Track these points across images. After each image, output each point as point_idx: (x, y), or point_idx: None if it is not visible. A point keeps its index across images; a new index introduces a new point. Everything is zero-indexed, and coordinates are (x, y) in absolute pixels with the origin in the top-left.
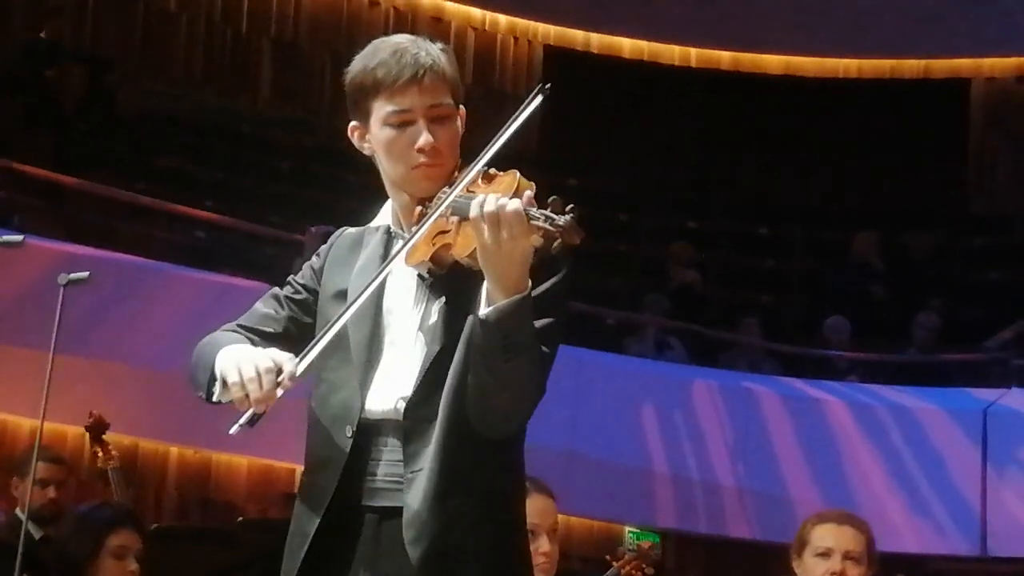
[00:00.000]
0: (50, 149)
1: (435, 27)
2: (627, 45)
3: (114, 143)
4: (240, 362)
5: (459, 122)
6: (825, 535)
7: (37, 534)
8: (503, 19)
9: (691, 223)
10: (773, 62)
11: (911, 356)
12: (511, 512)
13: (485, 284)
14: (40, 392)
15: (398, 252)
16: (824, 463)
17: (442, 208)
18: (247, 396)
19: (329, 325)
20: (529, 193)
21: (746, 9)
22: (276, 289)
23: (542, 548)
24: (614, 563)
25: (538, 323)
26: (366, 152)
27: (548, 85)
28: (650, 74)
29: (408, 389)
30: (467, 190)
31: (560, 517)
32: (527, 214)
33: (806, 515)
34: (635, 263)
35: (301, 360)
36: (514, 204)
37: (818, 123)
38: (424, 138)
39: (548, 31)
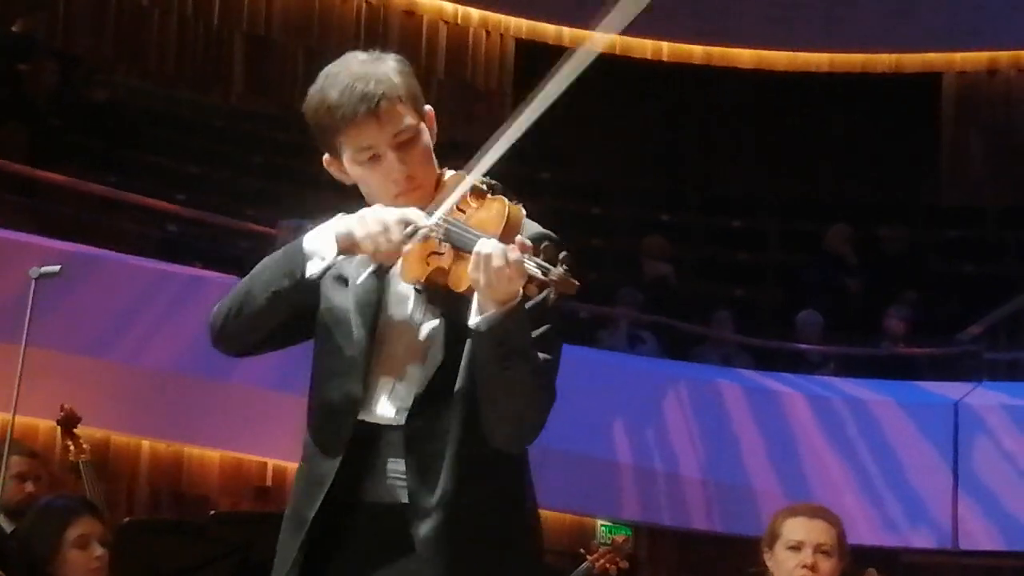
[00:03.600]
0: (22, 143)
1: (407, 21)
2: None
3: (86, 137)
4: (364, 218)
5: (426, 133)
6: (796, 528)
7: (9, 528)
8: (475, 13)
9: (664, 216)
10: (745, 56)
11: (883, 350)
12: (525, 520)
13: (476, 295)
14: (11, 386)
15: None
16: (795, 458)
17: (433, 232)
18: (376, 249)
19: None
20: (523, 239)
21: (718, 3)
22: None
23: None
24: (588, 557)
25: (535, 332)
26: (346, 183)
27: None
28: (622, 68)
29: (408, 399)
30: (458, 208)
31: None
32: (524, 267)
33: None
34: (608, 257)
35: (433, 214)
36: (514, 259)
37: (790, 117)
38: (397, 170)
39: (520, 25)
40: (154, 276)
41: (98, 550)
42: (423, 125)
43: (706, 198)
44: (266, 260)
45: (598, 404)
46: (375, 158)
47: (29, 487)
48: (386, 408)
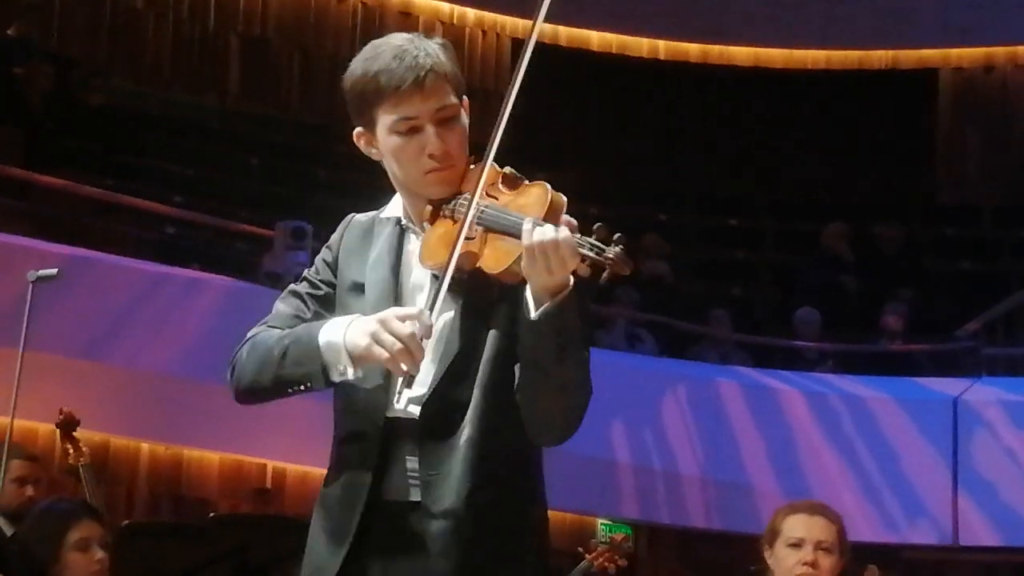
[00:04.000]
0: (19, 146)
1: (403, 21)
2: (595, 38)
3: (83, 140)
4: (372, 333)
5: (465, 116)
6: (796, 525)
7: (9, 531)
8: (471, 13)
9: (661, 215)
10: (741, 54)
11: (881, 347)
12: (536, 519)
13: (528, 288)
14: (10, 389)
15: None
16: (794, 456)
17: (470, 215)
18: (401, 366)
19: (438, 288)
20: (573, 221)
21: (714, 1)
22: (294, 286)
23: None
24: (587, 556)
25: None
26: (374, 157)
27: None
28: (619, 67)
29: (423, 389)
30: (488, 194)
31: None
32: (578, 248)
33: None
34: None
35: (432, 311)
36: (565, 238)
37: (787, 115)
38: (434, 144)
39: (516, 24)
40: (152, 279)
41: (99, 553)
42: (463, 110)
43: (703, 197)
44: (280, 348)
45: (597, 403)
46: (414, 130)
47: (29, 491)
48: (402, 401)
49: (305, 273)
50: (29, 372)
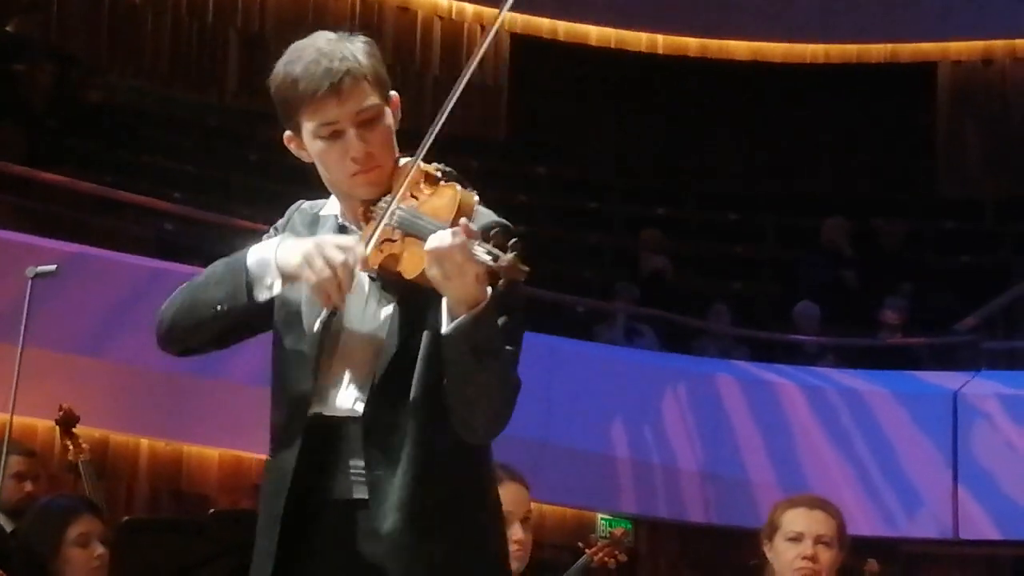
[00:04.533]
0: (18, 143)
1: (401, 17)
2: (594, 32)
3: (82, 137)
4: (304, 251)
5: (389, 116)
6: (796, 519)
7: (10, 527)
8: (469, 8)
9: (660, 210)
10: (740, 48)
11: (881, 341)
12: (486, 505)
13: (444, 300)
14: (9, 385)
15: None
16: (793, 450)
17: (386, 219)
18: (326, 293)
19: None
20: (465, 221)
21: None
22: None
23: (515, 536)
24: (587, 550)
25: (499, 322)
26: (305, 160)
27: None
28: (617, 61)
29: (363, 389)
30: (411, 194)
31: (533, 505)
32: (471, 254)
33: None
34: (605, 251)
35: (368, 244)
36: (459, 244)
37: (786, 109)
38: (356, 147)
39: (515, 19)
40: (151, 275)
41: (99, 549)
42: (387, 108)
43: (702, 192)
44: (209, 272)
45: (596, 398)
46: (336, 134)
47: (28, 486)
48: (344, 399)
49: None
50: (28, 369)
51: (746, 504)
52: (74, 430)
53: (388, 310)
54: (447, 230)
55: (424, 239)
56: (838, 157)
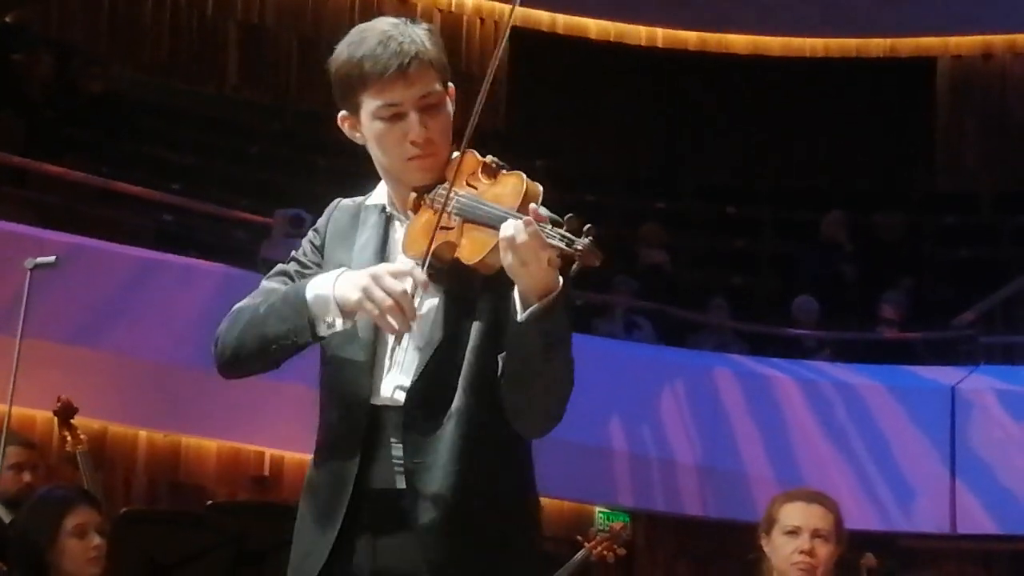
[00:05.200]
0: (17, 134)
1: (401, 9)
2: (593, 26)
3: (81, 128)
4: (361, 285)
5: (449, 104)
6: (793, 513)
7: (7, 518)
8: (469, 0)
9: (659, 204)
10: (740, 42)
11: (879, 335)
12: (526, 510)
13: (516, 288)
14: (8, 376)
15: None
16: (791, 444)
17: (447, 205)
18: (391, 323)
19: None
20: (541, 210)
21: None
22: (282, 265)
23: None
24: (586, 544)
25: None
26: (358, 141)
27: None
28: (617, 55)
29: (408, 377)
30: (467, 184)
31: None
32: (543, 234)
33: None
34: (604, 244)
35: (424, 266)
36: (535, 229)
37: (785, 103)
38: (416, 131)
39: (515, 12)
40: (150, 266)
41: (96, 539)
42: (447, 97)
43: (702, 185)
44: (267, 305)
45: (594, 391)
46: (397, 116)
47: (26, 477)
48: (387, 388)
49: (294, 253)
50: (27, 360)
51: (743, 498)
52: (72, 421)
53: (435, 299)
54: (518, 217)
55: (489, 226)
56: (837, 151)
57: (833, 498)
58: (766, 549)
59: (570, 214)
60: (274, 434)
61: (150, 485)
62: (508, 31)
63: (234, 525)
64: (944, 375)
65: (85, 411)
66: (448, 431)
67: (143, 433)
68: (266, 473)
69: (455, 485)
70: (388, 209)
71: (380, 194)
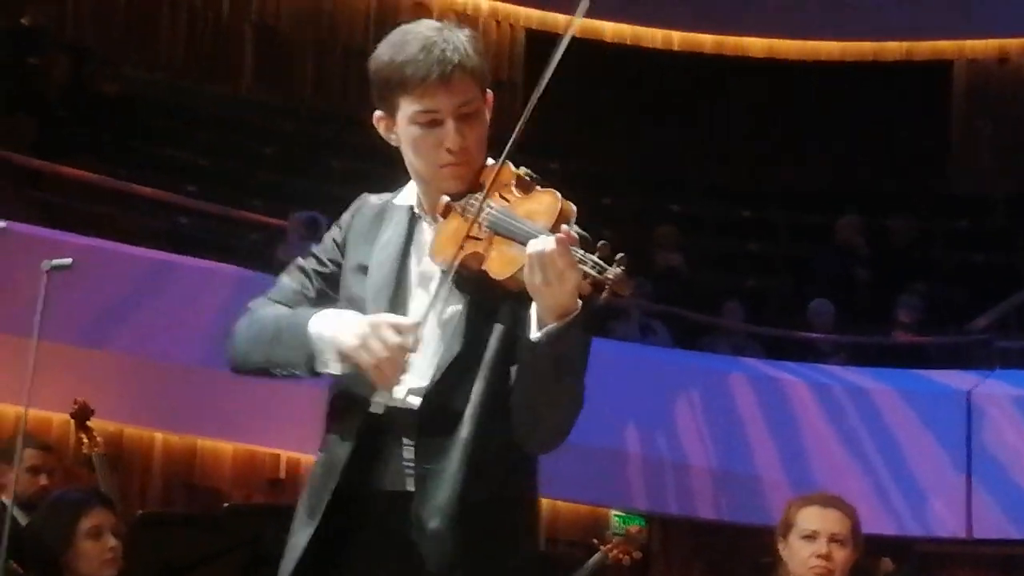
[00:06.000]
0: (32, 136)
1: (418, 12)
2: (609, 29)
3: (96, 130)
4: (360, 333)
5: (487, 112)
6: (810, 518)
7: (24, 521)
8: (485, 3)
9: (674, 207)
10: (756, 45)
11: (894, 339)
12: (528, 517)
13: (534, 306)
14: (24, 379)
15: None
16: (806, 448)
17: (479, 216)
18: (384, 375)
19: (431, 303)
20: (574, 232)
21: None
22: (300, 261)
23: None
24: (602, 547)
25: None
26: (392, 143)
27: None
28: (633, 58)
29: (423, 382)
30: (500, 196)
31: (546, 502)
32: (575, 257)
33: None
34: (618, 247)
35: (421, 325)
36: (561, 248)
37: (801, 106)
38: (452, 139)
39: (530, 15)
40: (165, 268)
41: (111, 541)
42: (485, 106)
43: (717, 188)
44: (275, 327)
45: (610, 395)
46: (435, 123)
47: (43, 480)
48: (400, 391)
49: (313, 249)
50: (43, 362)
51: (758, 502)
52: (89, 423)
53: (456, 308)
54: (549, 235)
55: (519, 241)
56: (852, 154)
57: (850, 503)
58: (783, 553)
59: (603, 241)
60: (290, 436)
61: (166, 487)
62: (566, 44)
63: (250, 527)
64: (959, 380)
65: (101, 413)
66: (460, 438)
67: (159, 435)
68: (282, 475)
69: (463, 492)
70: (416, 210)
71: (409, 195)
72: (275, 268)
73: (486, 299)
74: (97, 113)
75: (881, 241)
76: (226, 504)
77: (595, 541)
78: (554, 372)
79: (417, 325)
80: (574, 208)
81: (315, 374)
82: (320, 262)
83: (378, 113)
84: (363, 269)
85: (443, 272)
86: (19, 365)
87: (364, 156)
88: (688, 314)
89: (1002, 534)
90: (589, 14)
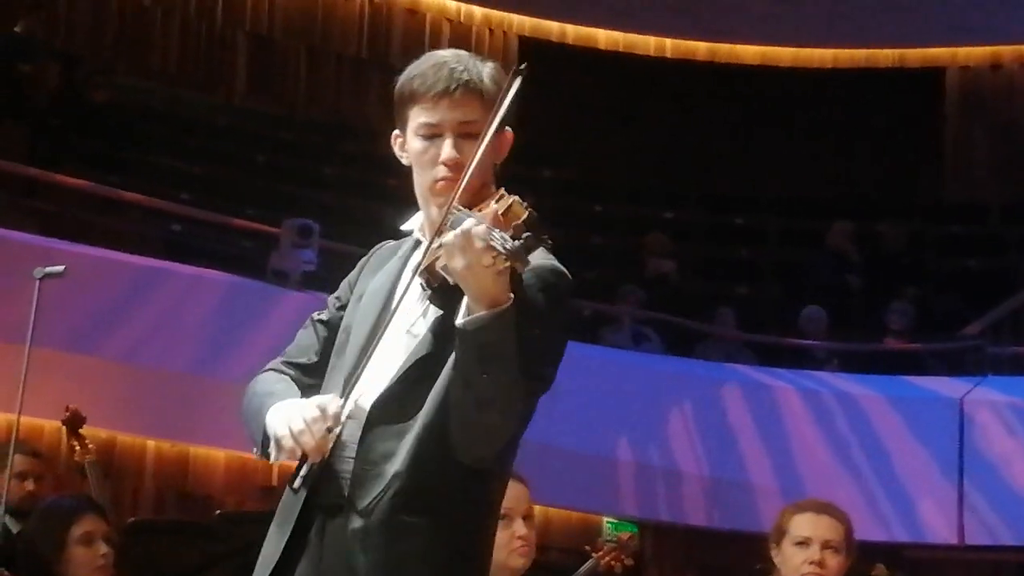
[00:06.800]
0: (24, 144)
1: (410, 20)
2: (602, 36)
3: (89, 138)
4: (289, 418)
5: (493, 140)
6: (803, 524)
7: (15, 528)
8: (478, 11)
9: (666, 214)
10: (749, 52)
11: (886, 346)
12: (466, 543)
13: (465, 297)
14: (16, 386)
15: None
16: (799, 455)
17: (442, 221)
18: (303, 451)
19: (362, 359)
20: (493, 207)
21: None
22: (316, 313)
23: (518, 532)
24: (593, 554)
25: (525, 336)
26: (404, 162)
27: (524, 66)
28: (626, 65)
29: (381, 384)
30: (475, 208)
31: (538, 509)
32: (487, 236)
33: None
34: (610, 254)
35: (345, 399)
36: (477, 228)
37: (794, 113)
38: (447, 152)
39: (523, 22)
40: (158, 275)
41: (103, 548)
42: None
43: (709, 195)
44: (255, 409)
45: (602, 402)
46: (435, 136)
47: (29, 486)
48: (363, 399)
49: (329, 297)
50: (36, 369)
51: (750, 509)
52: (81, 431)
53: (435, 315)
54: (471, 218)
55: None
56: (845, 161)
57: (843, 509)
58: (776, 560)
59: (518, 221)
60: None
61: (158, 495)
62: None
63: (242, 535)
64: (951, 386)
65: (93, 421)
66: (401, 444)
67: (151, 443)
68: (274, 483)
69: (392, 499)
70: (418, 234)
71: (414, 221)
72: (269, 277)
73: (453, 312)
74: (89, 121)
75: (873, 248)
76: (218, 512)
77: (587, 548)
78: (478, 364)
79: (341, 406)
80: (524, 212)
81: (266, 458)
82: (329, 311)
83: (395, 132)
84: (361, 297)
85: (421, 287)
86: (11, 372)
87: (357, 164)
88: (680, 321)
89: (994, 541)
90: (583, 21)
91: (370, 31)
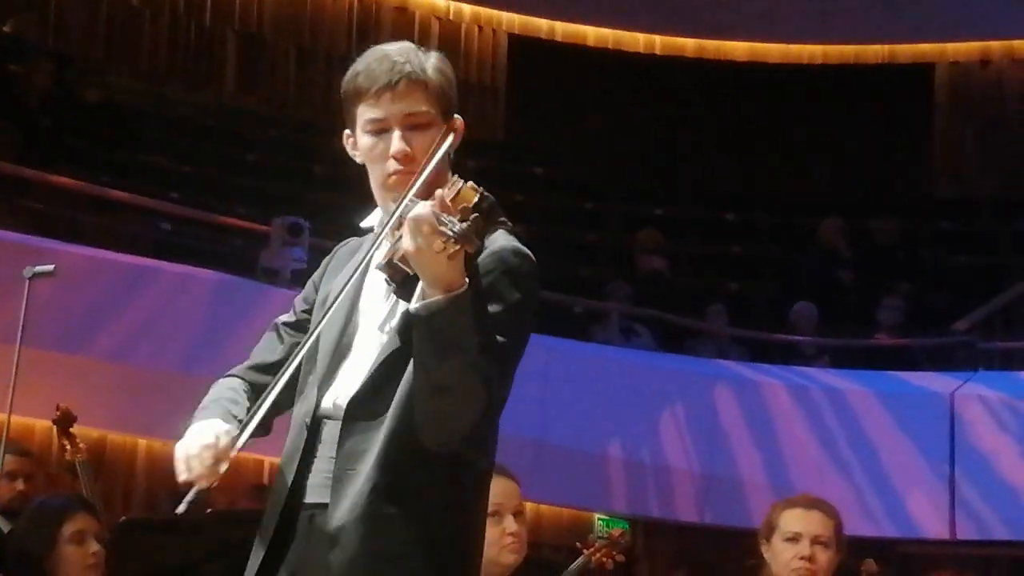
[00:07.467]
0: (15, 143)
1: (399, 17)
2: (591, 33)
3: (79, 137)
4: (189, 442)
5: (449, 135)
6: (793, 520)
7: (6, 527)
8: (467, 8)
9: (657, 210)
10: (738, 49)
11: (878, 341)
12: (445, 536)
13: (420, 282)
14: (7, 385)
15: (365, 257)
16: (790, 451)
17: (395, 215)
18: (189, 475)
19: (269, 390)
20: (441, 193)
21: None
22: (280, 318)
23: (509, 528)
24: (585, 551)
25: (483, 322)
26: (358, 160)
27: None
28: (615, 62)
29: (350, 389)
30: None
31: (529, 505)
32: (437, 220)
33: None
34: (602, 251)
35: (241, 432)
36: (418, 210)
37: (783, 109)
38: (395, 145)
39: (512, 20)
40: (148, 274)
41: (94, 546)
42: (441, 123)
43: (699, 191)
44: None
45: (592, 398)
46: (382, 131)
47: (19, 485)
48: (337, 398)
49: (296, 298)
50: (26, 368)
51: (740, 505)
52: (72, 430)
53: (396, 314)
54: (426, 202)
55: None
56: (835, 157)
57: (833, 504)
58: (766, 556)
59: (465, 204)
60: (274, 443)
61: (149, 493)
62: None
63: (234, 533)
64: (942, 382)
65: (84, 420)
66: (378, 440)
67: (142, 441)
68: (265, 481)
69: (369, 495)
70: (376, 229)
71: (373, 217)
72: (259, 275)
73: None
74: (80, 120)
75: (864, 243)
76: (210, 510)
77: (578, 544)
78: (434, 349)
79: (227, 433)
80: (474, 193)
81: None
82: (295, 312)
83: (346, 131)
84: (326, 299)
85: (386, 282)
86: (2, 371)
87: (346, 162)
88: (672, 317)
89: (985, 535)
90: (572, 19)
91: (359, 30)
